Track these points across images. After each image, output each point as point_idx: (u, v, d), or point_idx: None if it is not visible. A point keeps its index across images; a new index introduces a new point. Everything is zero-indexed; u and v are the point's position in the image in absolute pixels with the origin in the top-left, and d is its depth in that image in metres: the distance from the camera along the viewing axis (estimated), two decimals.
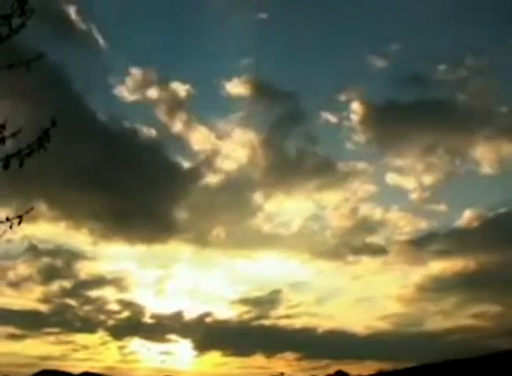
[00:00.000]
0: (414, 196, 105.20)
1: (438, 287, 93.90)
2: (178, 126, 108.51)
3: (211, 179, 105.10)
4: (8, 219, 4.42)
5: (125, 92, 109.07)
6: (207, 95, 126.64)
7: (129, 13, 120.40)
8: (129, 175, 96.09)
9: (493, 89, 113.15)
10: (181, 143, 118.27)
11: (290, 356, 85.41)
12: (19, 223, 4.46)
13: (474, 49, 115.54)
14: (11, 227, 4.42)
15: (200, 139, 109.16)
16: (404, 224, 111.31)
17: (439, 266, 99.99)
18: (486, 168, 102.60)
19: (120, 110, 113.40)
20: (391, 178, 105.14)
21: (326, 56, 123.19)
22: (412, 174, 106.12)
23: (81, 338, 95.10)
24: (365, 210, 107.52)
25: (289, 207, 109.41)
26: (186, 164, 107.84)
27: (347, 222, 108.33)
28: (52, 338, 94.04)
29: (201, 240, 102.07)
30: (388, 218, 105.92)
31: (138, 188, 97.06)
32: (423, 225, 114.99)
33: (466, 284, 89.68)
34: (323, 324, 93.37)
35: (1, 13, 4.44)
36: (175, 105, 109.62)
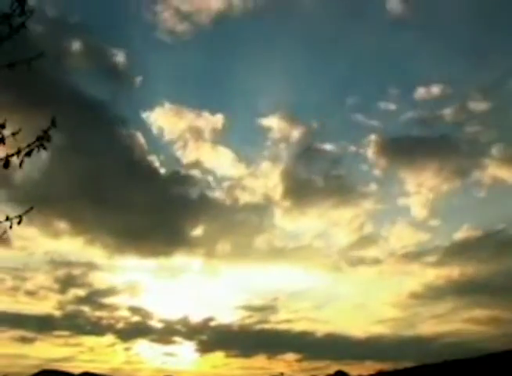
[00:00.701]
0: (417, 213, 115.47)
1: (432, 294, 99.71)
2: (205, 153, 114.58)
3: (234, 199, 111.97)
4: (8, 219, 4.42)
5: (159, 122, 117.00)
6: (237, 127, 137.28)
7: (165, 50, 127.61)
8: (157, 197, 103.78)
9: (491, 129, 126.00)
10: (208, 170, 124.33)
11: (290, 357, 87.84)
12: (19, 223, 4.46)
13: (475, 95, 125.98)
14: (11, 227, 4.42)
15: (227, 165, 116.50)
16: (405, 238, 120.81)
17: (434, 275, 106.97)
18: (483, 191, 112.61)
19: (152, 137, 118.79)
20: (399, 198, 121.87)
21: (347, 95, 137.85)
22: (417, 195, 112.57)
23: (89, 341, 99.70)
24: (371, 225, 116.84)
25: (302, 224, 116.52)
26: (211, 191, 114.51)
27: (353, 236, 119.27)
28: (60, 341, 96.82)
29: (210, 253, 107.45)
30: (392, 232, 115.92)
31: (162, 209, 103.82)
32: (423, 239, 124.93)
33: (460, 292, 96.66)
34: (322, 328, 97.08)
35: (1, 13, 4.44)
36: (205, 134, 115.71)
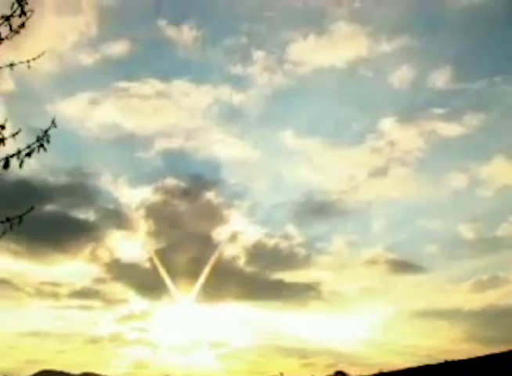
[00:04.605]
0: None
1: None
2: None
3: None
4: (8, 219, 4.40)
5: None
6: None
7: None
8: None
9: None
10: None
11: (291, 360, 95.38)
12: (19, 223, 4.44)
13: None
14: (11, 227, 4.40)
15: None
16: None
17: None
18: None
19: None
20: None
21: None
22: None
23: (117, 351, 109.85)
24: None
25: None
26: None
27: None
28: (90, 352, 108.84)
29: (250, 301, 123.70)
30: None
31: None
32: None
33: None
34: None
35: (1, 13, 4.44)
36: None
